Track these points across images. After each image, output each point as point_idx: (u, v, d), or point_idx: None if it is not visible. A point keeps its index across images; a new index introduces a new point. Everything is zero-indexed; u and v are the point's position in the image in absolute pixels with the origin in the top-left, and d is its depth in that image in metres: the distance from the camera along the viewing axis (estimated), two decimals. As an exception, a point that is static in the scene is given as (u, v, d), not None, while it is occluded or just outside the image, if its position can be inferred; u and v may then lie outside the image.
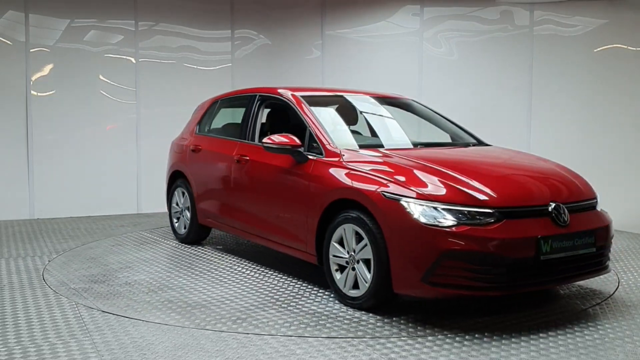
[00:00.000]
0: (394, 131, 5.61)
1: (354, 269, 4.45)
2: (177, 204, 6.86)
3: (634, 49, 7.66)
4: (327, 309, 4.47)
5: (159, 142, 9.05)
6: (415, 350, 3.67)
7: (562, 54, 8.02)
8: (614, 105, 7.79)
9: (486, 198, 4.08)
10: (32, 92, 8.37)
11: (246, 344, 3.76)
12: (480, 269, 3.93)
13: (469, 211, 4.00)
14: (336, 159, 4.75)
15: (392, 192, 4.19)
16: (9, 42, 8.28)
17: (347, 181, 4.52)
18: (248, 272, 5.51)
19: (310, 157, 4.94)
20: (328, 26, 9.33)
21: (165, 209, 7.24)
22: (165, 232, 7.41)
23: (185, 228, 6.71)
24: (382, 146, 5.13)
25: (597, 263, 4.42)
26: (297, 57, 9.57)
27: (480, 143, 5.58)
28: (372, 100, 5.95)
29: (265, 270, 5.55)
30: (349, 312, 4.40)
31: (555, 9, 8.02)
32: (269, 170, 5.35)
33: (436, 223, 3.98)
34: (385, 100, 5.99)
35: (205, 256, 6.16)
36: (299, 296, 4.77)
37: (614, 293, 4.94)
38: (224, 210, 6.00)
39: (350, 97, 5.90)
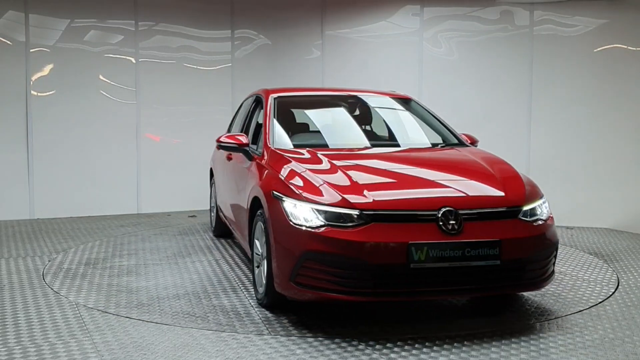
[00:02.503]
0: (351, 131, 5.54)
1: (258, 266, 4.54)
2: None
3: (634, 49, 7.66)
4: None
5: (159, 142, 9.07)
6: (415, 351, 3.67)
7: (562, 54, 8.02)
8: (614, 105, 7.79)
9: (358, 200, 3.93)
10: (32, 92, 8.37)
11: (246, 344, 3.76)
12: (342, 273, 3.82)
13: (335, 212, 3.89)
14: (265, 159, 4.86)
15: (278, 191, 4.21)
16: (9, 42, 8.28)
17: (258, 179, 4.63)
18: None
19: (255, 155, 5.09)
20: (328, 26, 9.33)
21: (166, 209, 7.26)
22: (166, 232, 7.41)
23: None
24: (325, 146, 5.10)
25: (513, 277, 4.03)
26: (297, 57, 9.57)
27: (460, 143, 5.32)
28: (355, 99, 5.93)
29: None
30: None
31: (555, 9, 8.02)
32: (234, 168, 5.70)
33: (303, 223, 3.93)
34: (370, 99, 5.95)
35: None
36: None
37: (614, 293, 4.94)
38: None
39: (331, 98, 5.98)
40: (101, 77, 8.73)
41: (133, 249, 6.54)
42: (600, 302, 4.68)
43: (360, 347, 3.71)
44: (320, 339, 3.85)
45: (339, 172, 4.30)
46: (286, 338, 3.86)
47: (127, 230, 7.57)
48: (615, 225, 7.74)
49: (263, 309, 4.43)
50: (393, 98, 6.01)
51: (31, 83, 8.35)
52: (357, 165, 4.61)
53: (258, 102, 5.96)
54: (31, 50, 8.33)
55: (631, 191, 7.65)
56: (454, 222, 3.87)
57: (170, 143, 9.17)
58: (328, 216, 3.90)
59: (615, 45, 7.78)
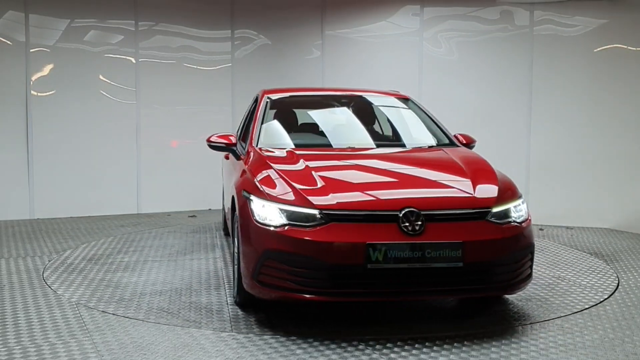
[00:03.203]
0: (338, 131, 5.54)
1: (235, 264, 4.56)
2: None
3: (634, 49, 7.66)
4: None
5: (159, 142, 9.07)
6: (415, 351, 3.67)
7: (562, 54, 8.02)
8: (614, 105, 7.78)
9: (319, 200, 3.92)
10: (32, 92, 8.37)
11: (246, 344, 3.76)
12: (300, 272, 3.82)
13: (297, 212, 3.90)
14: (247, 158, 4.91)
15: (247, 190, 4.24)
16: (9, 42, 8.28)
17: (237, 178, 4.67)
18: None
19: (241, 155, 5.14)
20: (328, 26, 9.33)
21: (166, 209, 7.22)
22: (165, 232, 7.42)
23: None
24: (309, 146, 5.13)
25: (479, 280, 3.94)
26: (297, 57, 9.57)
27: (451, 144, 5.24)
28: (349, 99, 5.94)
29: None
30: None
31: (555, 9, 8.02)
32: (227, 167, 5.81)
33: (267, 222, 3.94)
34: (364, 99, 5.94)
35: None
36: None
37: (614, 293, 4.94)
38: None
39: (326, 98, 5.99)
40: (101, 77, 8.73)
41: (141, 245, 6.62)
42: (600, 302, 4.68)
43: (360, 347, 3.71)
44: (320, 338, 3.85)
45: (311, 172, 4.29)
46: (286, 337, 3.85)
47: (127, 230, 7.56)
48: (615, 225, 7.74)
49: (237, 307, 4.47)
50: (389, 98, 5.99)
51: (31, 83, 8.35)
52: (331, 165, 4.64)
53: (256, 102, 5.98)
54: (31, 50, 8.33)
55: (631, 191, 7.65)
56: (414, 222, 3.82)
57: (170, 143, 9.17)
58: (290, 216, 3.90)
59: (615, 45, 7.78)
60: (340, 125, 5.72)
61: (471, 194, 4.12)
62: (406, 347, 3.71)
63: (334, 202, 3.91)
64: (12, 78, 8.29)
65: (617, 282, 5.28)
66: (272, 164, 4.46)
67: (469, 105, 8.40)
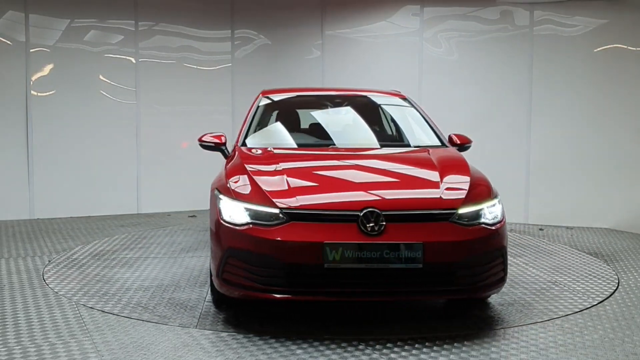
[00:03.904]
0: (324, 131, 5.51)
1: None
2: None
3: (634, 49, 7.66)
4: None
5: (159, 142, 9.07)
6: (415, 351, 3.67)
7: (562, 54, 8.01)
8: (614, 105, 7.78)
9: (281, 199, 3.95)
10: (32, 92, 8.37)
11: (246, 344, 3.76)
12: (259, 270, 3.86)
13: (259, 211, 3.93)
14: (229, 157, 4.97)
15: (219, 189, 4.29)
16: (9, 42, 8.28)
17: (216, 177, 4.71)
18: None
19: (229, 154, 5.19)
20: (328, 26, 9.33)
21: (166, 209, 7.21)
22: (165, 232, 7.41)
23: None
24: (293, 146, 5.18)
25: (441, 282, 3.91)
26: (297, 57, 9.57)
27: (441, 144, 5.17)
28: (343, 99, 5.94)
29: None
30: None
31: (555, 9, 8.02)
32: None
33: (232, 221, 3.98)
34: (358, 99, 5.94)
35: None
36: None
37: (614, 293, 4.94)
38: None
39: (320, 98, 6.01)
40: (101, 77, 8.73)
41: (150, 242, 6.68)
42: (600, 302, 4.68)
43: (360, 347, 3.71)
44: (320, 338, 3.85)
45: (281, 173, 4.29)
46: (286, 337, 3.85)
47: (127, 230, 7.56)
48: (616, 225, 7.74)
49: (212, 305, 4.53)
50: (384, 97, 5.96)
51: (31, 83, 8.35)
52: (305, 166, 4.68)
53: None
54: (31, 50, 8.33)
55: (631, 191, 7.65)
56: (374, 223, 3.80)
57: (170, 143, 9.16)
58: (254, 215, 3.94)
59: (615, 45, 7.78)
60: (327, 126, 5.69)
61: (437, 196, 4.07)
62: (406, 347, 3.71)
63: (296, 202, 3.93)
64: (12, 78, 8.28)
65: (617, 282, 5.28)
66: (246, 164, 4.50)
67: (468, 105, 8.40)
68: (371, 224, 3.80)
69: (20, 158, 8.33)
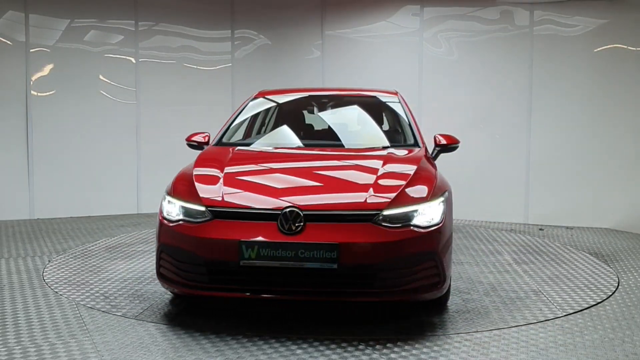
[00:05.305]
0: (298, 131, 5.53)
1: None
2: None
3: (634, 49, 7.66)
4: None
5: (159, 142, 9.06)
6: (415, 351, 3.67)
7: (562, 54, 8.02)
8: (614, 106, 7.79)
9: (209, 197, 4.06)
10: (32, 92, 8.37)
11: (246, 344, 3.76)
12: (183, 266, 4.01)
13: (188, 208, 4.06)
14: None
15: (167, 187, 4.40)
16: (9, 42, 8.27)
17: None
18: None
19: None
20: (328, 26, 9.33)
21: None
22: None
23: None
24: (255, 146, 5.23)
25: (360, 284, 3.87)
26: (297, 57, 9.57)
27: (414, 145, 5.08)
28: (329, 98, 5.97)
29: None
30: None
31: (555, 9, 8.02)
32: None
33: (168, 218, 4.13)
34: (347, 99, 5.98)
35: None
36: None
37: (614, 293, 4.94)
38: None
39: (311, 98, 6.01)
40: (101, 77, 8.73)
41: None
42: (600, 302, 4.68)
43: (361, 347, 3.71)
44: (320, 338, 3.85)
45: (222, 172, 4.35)
46: (286, 337, 3.85)
47: (127, 230, 7.56)
48: (616, 225, 7.74)
49: (170, 298, 4.66)
50: (370, 98, 5.92)
51: (31, 83, 8.35)
52: (251, 167, 4.74)
53: None
54: (31, 50, 8.33)
55: (631, 191, 7.65)
56: (292, 222, 3.84)
57: (170, 143, 9.15)
58: (185, 212, 4.06)
59: (615, 45, 7.78)
60: (301, 127, 5.70)
61: (362, 199, 4.01)
62: (406, 347, 3.72)
63: (221, 200, 4.04)
64: (12, 78, 8.28)
65: (617, 282, 5.28)
66: (195, 165, 4.60)
67: (468, 105, 8.40)
68: (290, 223, 3.86)
69: (20, 158, 8.33)
